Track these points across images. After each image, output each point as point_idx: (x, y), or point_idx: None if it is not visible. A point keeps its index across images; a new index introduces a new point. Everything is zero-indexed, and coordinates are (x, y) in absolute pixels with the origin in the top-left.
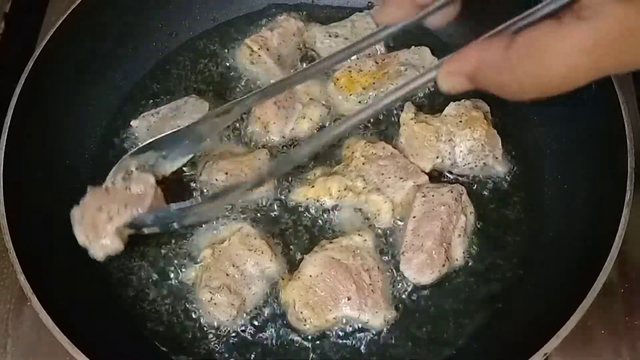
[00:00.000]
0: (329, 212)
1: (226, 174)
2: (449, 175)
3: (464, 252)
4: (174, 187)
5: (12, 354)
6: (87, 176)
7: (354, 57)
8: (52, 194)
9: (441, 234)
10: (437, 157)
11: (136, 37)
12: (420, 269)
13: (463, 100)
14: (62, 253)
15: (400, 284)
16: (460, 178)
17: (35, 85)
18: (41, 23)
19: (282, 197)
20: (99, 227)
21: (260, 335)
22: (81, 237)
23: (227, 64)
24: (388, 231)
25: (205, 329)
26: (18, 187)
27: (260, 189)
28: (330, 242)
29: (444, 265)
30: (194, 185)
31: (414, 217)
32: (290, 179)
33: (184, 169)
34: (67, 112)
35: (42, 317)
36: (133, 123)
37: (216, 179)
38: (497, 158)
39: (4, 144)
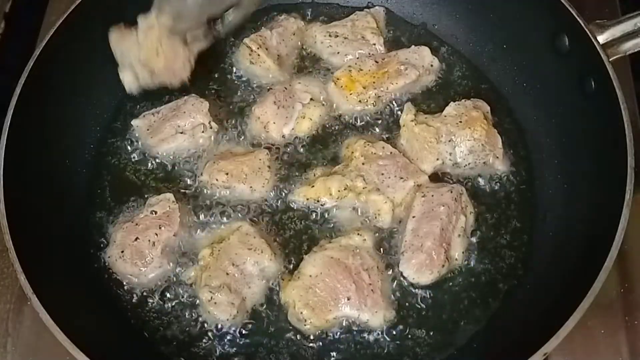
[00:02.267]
0: (329, 212)
1: (227, 174)
2: (449, 174)
3: (463, 252)
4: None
5: (12, 353)
6: (87, 176)
7: (353, 57)
8: (52, 194)
9: (441, 234)
10: (438, 159)
11: None
12: (419, 269)
13: (463, 100)
14: (62, 253)
15: (400, 284)
16: (460, 178)
17: (35, 85)
18: (41, 23)
19: (282, 197)
20: (145, 252)
21: (260, 334)
22: (129, 269)
23: (227, 64)
24: (388, 231)
25: (205, 328)
26: (18, 187)
27: (260, 188)
28: (330, 242)
29: (443, 265)
30: (197, 188)
31: (414, 217)
32: (290, 178)
33: (185, 170)
34: (67, 112)
35: (42, 317)
36: (134, 122)
37: (216, 179)
38: (497, 157)
39: (4, 144)
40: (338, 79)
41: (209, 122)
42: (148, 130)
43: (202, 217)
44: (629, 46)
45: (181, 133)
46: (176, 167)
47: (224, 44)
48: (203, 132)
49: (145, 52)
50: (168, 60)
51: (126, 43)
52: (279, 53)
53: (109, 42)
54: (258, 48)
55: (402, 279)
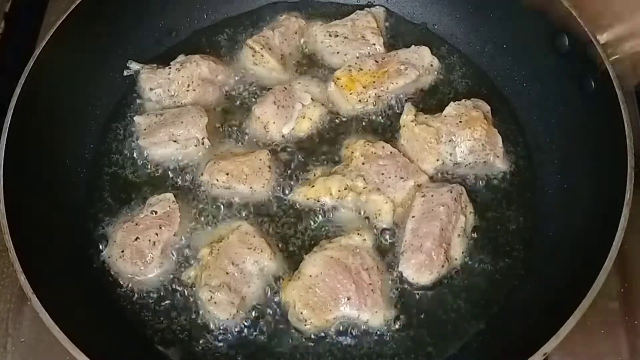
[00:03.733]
0: (330, 212)
1: (227, 174)
2: (449, 174)
3: (463, 252)
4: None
5: (12, 353)
6: (87, 176)
7: (353, 56)
8: (52, 194)
9: (440, 235)
10: (438, 160)
11: (136, 36)
12: (419, 270)
13: (463, 100)
14: (62, 253)
15: (400, 284)
16: (460, 177)
17: (36, 85)
18: (41, 23)
19: (283, 197)
20: (145, 252)
21: (260, 334)
22: (130, 268)
23: (229, 64)
24: (388, 231)
25: (205, 327)
26: (18, 187)
27: (260, 189)
28: (330, 242)
29: (443, 266)
30: (197, 187)
31: (413, 217)
32: (290, 178)
33: (185, 171)
34: (67, 112)
35: (42, 317)
36: (136, 118)
37: (217, 179)
38: (498, 157)
39: (4, 144)
40: (338, 78)
41: (203, 138)
42: (145, 130)
43: (202, 217)
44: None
45: (174, 142)
46: (176, 168)
47: (226, 44)
48: (195, 145)
49: (175, 87)
50: (197, 96)
51: (157, 77)
52: (282, 53)
53: (139, 81)
54: (261, 48)
55: (402, 279)
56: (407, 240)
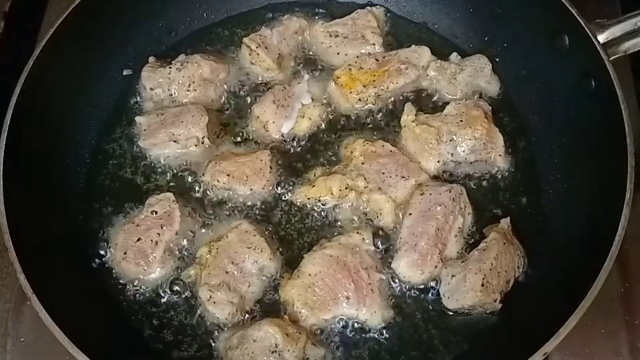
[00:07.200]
0: (330, 212)
1: (228, 175)
2: (450, 173)
3: (457, 252)
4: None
5: (12, 353)
6: (86, 176)
7: (354, 56)
8: (52, 194)
9: (436, 234)
10: (439, 161)
11: (135, 36)
12: (410, 268)
13: (464, 100)
14: (62, 253)
15: (399, 284)
16: (461, 176)
17: (36, 85)
18: (41, 23)
19: (283, 197)
20: (148, 252)
21: None
22: (133, 269)
23: (229, 63)
24: (388, 230)
25: (205, 327)
26: (18, 187)
27: (260, 190)
28: (329, 241)
29: (436, 266)
30: (197, 187)
31: (410, 214)
32: (290, 178)
33: (185, 170)
34: (66, 111)
35: (42, 317)
36: (137, 119)
37: (217, 180)
38: (500, 155)
39: (4, 143)
40: (338, 77)
41: (203, 138)
42: (145, 130)
43: (203, 216)
44: (629, 46)
45: (174, 142)
46: (176, 168)
47: (225, 43)
48: (195, 145)
49: (176, 87)
50: (197, 95)
51: (157, 77)
52: (280, 52)
53: (139, 81)
54: (257, 47)
55: (401, 278)
56: (402, 237)
